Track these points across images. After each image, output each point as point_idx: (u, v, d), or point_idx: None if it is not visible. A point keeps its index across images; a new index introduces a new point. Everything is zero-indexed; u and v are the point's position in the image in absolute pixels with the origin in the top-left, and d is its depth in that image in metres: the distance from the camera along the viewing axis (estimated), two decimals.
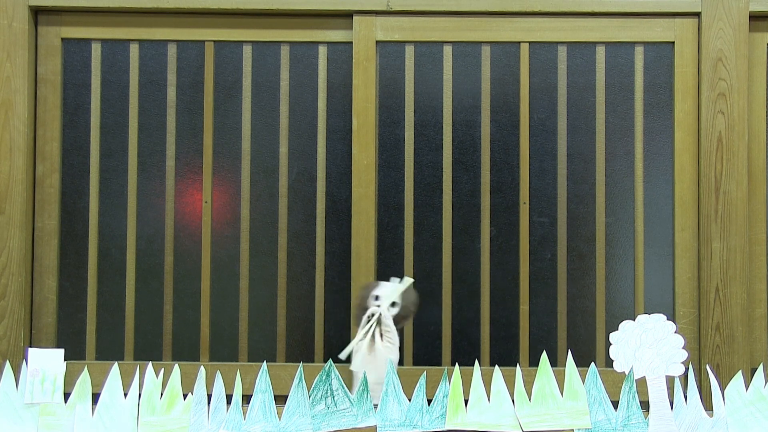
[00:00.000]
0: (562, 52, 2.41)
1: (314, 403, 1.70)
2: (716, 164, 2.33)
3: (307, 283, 2.40)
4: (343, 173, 2.40)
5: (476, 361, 1.77)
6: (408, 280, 1.96)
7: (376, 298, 1.93)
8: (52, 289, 2.38)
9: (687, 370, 1.72)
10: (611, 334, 1.76)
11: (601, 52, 2.41)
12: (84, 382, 1.71)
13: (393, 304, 1.91)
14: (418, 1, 2.38)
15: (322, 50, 2.43)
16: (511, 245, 2.39)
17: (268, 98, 2.43)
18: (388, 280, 1.99)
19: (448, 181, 2.40)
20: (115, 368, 1.72)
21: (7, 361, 1.83)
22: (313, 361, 2.39)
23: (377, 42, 2.39)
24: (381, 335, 1.90)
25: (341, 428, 1.69)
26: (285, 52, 2.43)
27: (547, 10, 2.37)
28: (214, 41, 2.42)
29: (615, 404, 1.71)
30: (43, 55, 2.40)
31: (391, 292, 1.93)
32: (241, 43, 2.42)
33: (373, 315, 1.91)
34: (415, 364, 2.37)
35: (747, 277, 2.33)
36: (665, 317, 1.74)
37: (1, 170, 2.32)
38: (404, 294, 1.94)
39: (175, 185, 2.42)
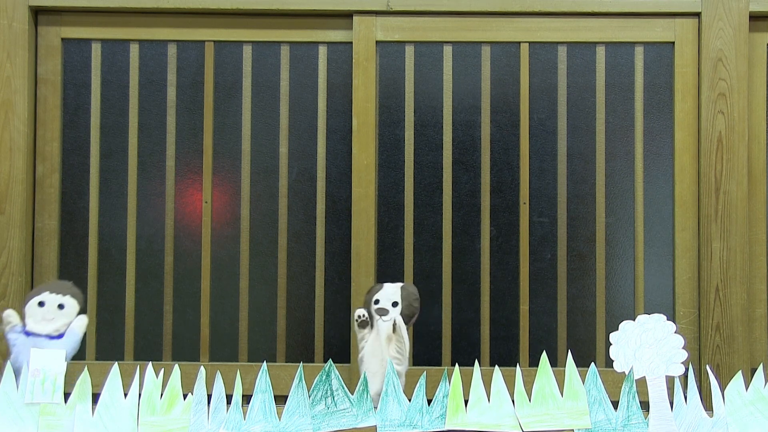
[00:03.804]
0: (562, 52, 2.41)
1: (314, 403, 1.70)
2: (716, 164, 2.33)
3: (307, 283, 2.40)
4: (343, 173, 2.40)
5: (476, 361, 1.77)
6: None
7: (376, 302, 1.86)
8: None
9: (687, 370, 1.72)
10: (611, 334, 1.76)
11: (601, 52, 2.41)
12: (84, 382, 1.71)
13: (395, 304, 1.85)
14: (418, 1, 2.38)
15: (322, 50, 2.43)
16: (511, 245, 2.39)
17: (268, 98, 2.43)
18: (388, 279, 1.99)
19: (448, 181, 2.40)
20: (115, 368, 1.72)
21: (8, 361, 1.83)
22: (313, 361, 2.39)
23: (377, 42, 2.39)
24: (386, 343, 1.85)
25: (341, 428, 1.69)
26: (285, 52, 2.43)
27: (547, 10, 2.37)
28: (214, 41, 2.42)
29: (615, 404, 1.71)
30: (43, 55, 2.40)
31: (390, 293, 1.87)
32: (241, 43, 2.42)
33: (359, 318, 1.85)
34: (415, 364, 2.36)
35: (747, 277, 2.33)
36: (665, 317, 1.74)
37: (1, 170, 2.32)
38: (403, 291, 1.88)
39: (175, 185, 2.42)
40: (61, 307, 1.77)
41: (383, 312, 1.84)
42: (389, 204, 2.40)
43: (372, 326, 1.85)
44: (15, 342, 1.75)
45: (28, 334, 1.76)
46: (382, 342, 1.82)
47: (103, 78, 2.43)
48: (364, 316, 1.85)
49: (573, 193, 2.40)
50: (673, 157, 2.39)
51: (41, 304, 1.77)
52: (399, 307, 1.85)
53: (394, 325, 1.83)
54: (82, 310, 1.81)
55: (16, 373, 1.71)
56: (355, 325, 1.87)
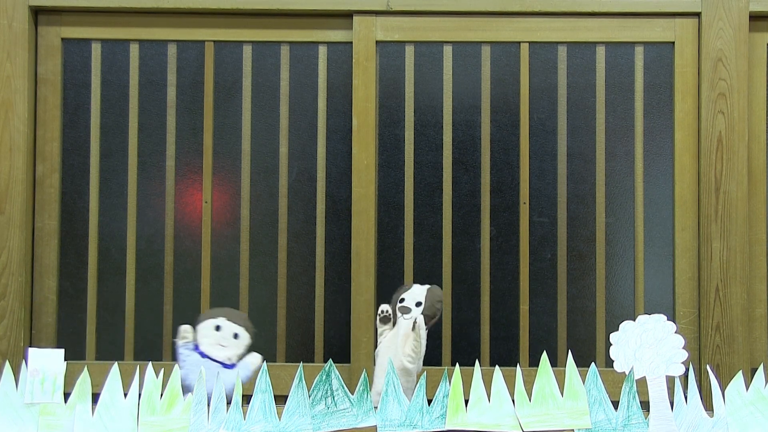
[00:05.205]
0: (562, 52, 2.41)
1: (314, 403, 1.70)
2: (716, 164, 2.33)
3: (307, 283, 2.40)
4: (343, 173, 2.40)
5: (476, 361, 1.77)
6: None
7: (401, 300, 1.92)
8: (52, 289, 2.38)
9: (687, 370, 1.71)
10: (611, 334, 1.76)
11: (601, 52, 2.41)
12: (84, 382, 1.71)
13: (418, 304, 1.89)
14: (418, 1, 2.38)
15: (322, 50, 2.43)
16: (511, 245, 2.39)
17: (268, 98, 2.43)
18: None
19: (448, 181, 2.40)
20: (115, 368, 1.72)
21: (7, 361, 1.83)
22: (313, 361, 2.39)
23: (377, 42, 2.39)
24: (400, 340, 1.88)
25: (341, 428, 1.69)
26: (285, 52, 2.43)
27: (547, 10, 2.37)
28: (214, 41, 2.42)
29: (615, 404, 1.71)
30: (43, 55, 2.40)
31: (417, 293, 1.92)
32: (241, 43, 2.42)
33: (382, 312, 1.91)
34: None
35: (747, 277, 2.33)
36: (665, 317, 1.74)
37: (1, 170, 2.32)
38: (428, 293, 1.92)
39: (175, 185, 2.42)
40: (235, 336, 1.81)
41: (406, 310, 1.89)
42: (389, 204, 2.40)
43: (394, 323, 1.91)
44: (186, 358, 1.79)
45: (201, 354, 1.79)
46: (399, 339, 1.85)
47: (103, 78, 2.43)
48: (387, 311, 1.91)
49: (573, 193, 2.40)
50: (673, 157, 2.38)
51: (218, 328, 1.81)
52: (422, 307, 1.89)
53: (415, 323, 1.85)
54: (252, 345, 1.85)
55: (185, 389, 1.72)
56: (377, 320, 1.93)
